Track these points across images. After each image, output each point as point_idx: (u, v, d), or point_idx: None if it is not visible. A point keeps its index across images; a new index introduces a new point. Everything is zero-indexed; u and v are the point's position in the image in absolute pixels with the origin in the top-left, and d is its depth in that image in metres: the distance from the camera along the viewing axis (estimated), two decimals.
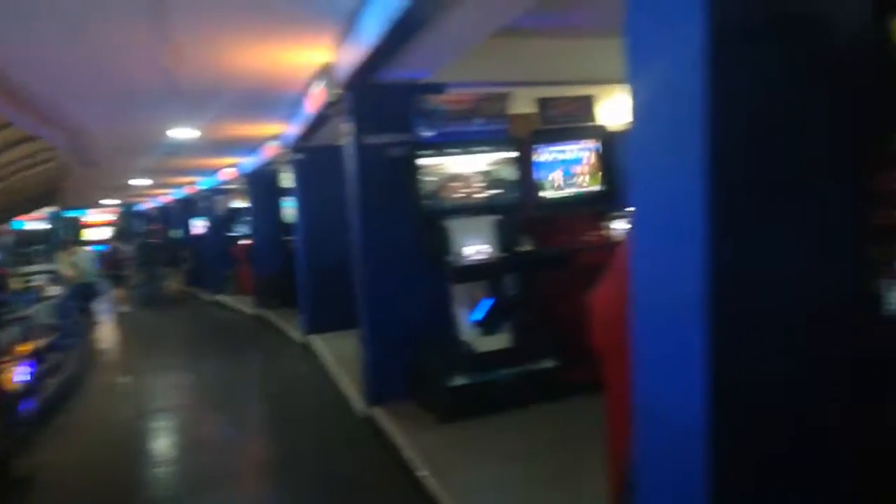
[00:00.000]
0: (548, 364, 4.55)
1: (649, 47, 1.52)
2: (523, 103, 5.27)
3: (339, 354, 6.45)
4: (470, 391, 4.33)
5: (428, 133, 4.62)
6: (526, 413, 4.33)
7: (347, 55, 4.30)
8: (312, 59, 4.92)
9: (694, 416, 1.42)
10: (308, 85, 5.55)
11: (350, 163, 4.88)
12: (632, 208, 1.62)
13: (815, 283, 1.47)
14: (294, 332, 8.30)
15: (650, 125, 1.53)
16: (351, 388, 5.44)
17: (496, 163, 4.75)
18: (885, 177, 1.44)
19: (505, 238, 4.66)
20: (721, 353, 1.37)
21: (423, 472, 3.60)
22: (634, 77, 1.57)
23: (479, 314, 4.53)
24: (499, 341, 4.53)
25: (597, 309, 2.31)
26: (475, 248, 4.61)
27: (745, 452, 1.43)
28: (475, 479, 3.47)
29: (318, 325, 7.61)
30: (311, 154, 7.67)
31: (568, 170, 5.04)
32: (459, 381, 4.32)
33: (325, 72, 4.94)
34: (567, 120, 5.10)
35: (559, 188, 5.01)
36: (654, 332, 1.57)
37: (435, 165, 4.59)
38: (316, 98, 5.41)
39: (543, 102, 5.03)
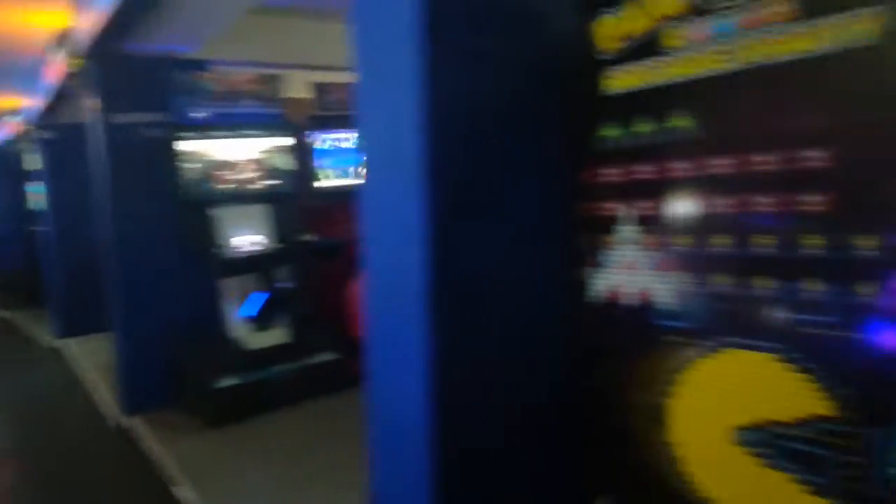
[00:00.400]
0: (327, 357, 4.43)
1: (372, 36, 1.45)
2: (300, 87, 5.06)
3: (95, 360, 5.73)
4: (241, 392, 4.07)
5: (189, 113, 4.23)
6: (303, 410, 4.18)
7: (86, 20, 3.76)
8: (49, 22, 4.26)
9: (417, 412, 1.39)
10: (46, 52, 4.80)
11: (97, 143, 4.30)
12: (363, 203, 1.55)
13: (530, 275, 1.53)
14: (43, 335, 7.24)
15: (374, 118, 1.47)
16: (108, 396, 4.85)
17: (271, 150, 4.49)
18: (590, 172, 1.53)
19: (280, 228, 4.45)
20: (441, 347, 1.36)
21: (180, 485, 3.29)
22: (360, 67, 1.49)
23: (251, 309, 4.27)
24: (274, 336, 4.31)
25: (351, 301, 2.24)
26: (246, 239, 4.33)
27: (465, 448, 1.43)
28: (238, 486, 3.25)
29: (72, 327, 6.70)
30: (62, 132, 6.68)
31: (346, 158, 4.95)
32: (229, 381, 4.03)
33: (65, 38, 4.29)
34: (345, 107, 5.00)
35: (338, 176, 4.90)
36: (383, 326, 1.53)
37: (200, 150, 4.22)
38: (56, 68, 4.70)
39: (320, 87, 4.87)
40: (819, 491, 1.24)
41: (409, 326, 1.40)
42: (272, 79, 4.66)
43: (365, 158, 1.51)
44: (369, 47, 1.45)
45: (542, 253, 1.58)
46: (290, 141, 4.55)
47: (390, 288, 1.47)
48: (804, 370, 1.23)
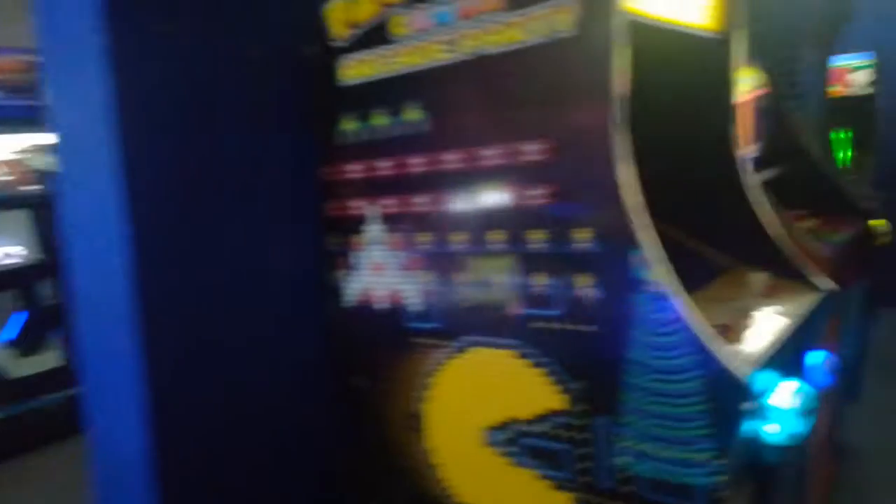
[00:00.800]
0: None
1: (52, 15, 1.22)
2: None
3: None
4: (2, 428, 3.51)
5: None
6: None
7: None
8: None
9: (137, 446, 1.21)
10: None
11: None
12: (60, 205, 1.32)
13: (279, 280, 1.40)
14: None
15: (62, 109, 1.26)
16: None
17: (31, 148, 3.92)
18: (334, 168, 1.43)
19: (43, 237, 3.90)
20: (162, 368, 1.19)
21: None
22: (43, 49, 1.26)
23: (10, 332, 3.70)
24: (41, 362, 3.77)
25: None
26: (0, 251, 3.75)
27: (203, 478, 1.27)
28: None
29: None
30: None
31: None
32: None
33: None
34: None
35: None
36: (92, 348, 1.32)
37: None
38: None
39: None
40: (560, 486, 1.24)
41: (119, 346, 1.21)
42: (33, 66, 4.07)
43: (59, 159, 1.29)
44: (50, 28, 1.22)
45: (292, 255, 1.46)
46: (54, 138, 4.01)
47: (96, 302, 1.26)
48: (538, 365, 1.22)
